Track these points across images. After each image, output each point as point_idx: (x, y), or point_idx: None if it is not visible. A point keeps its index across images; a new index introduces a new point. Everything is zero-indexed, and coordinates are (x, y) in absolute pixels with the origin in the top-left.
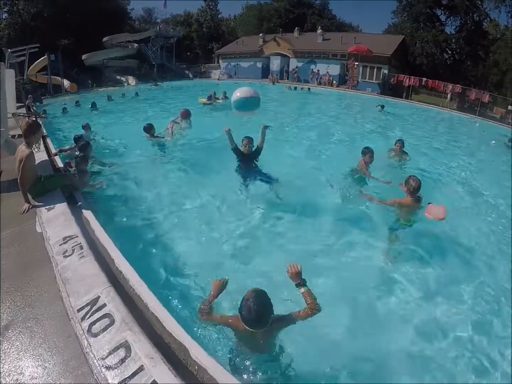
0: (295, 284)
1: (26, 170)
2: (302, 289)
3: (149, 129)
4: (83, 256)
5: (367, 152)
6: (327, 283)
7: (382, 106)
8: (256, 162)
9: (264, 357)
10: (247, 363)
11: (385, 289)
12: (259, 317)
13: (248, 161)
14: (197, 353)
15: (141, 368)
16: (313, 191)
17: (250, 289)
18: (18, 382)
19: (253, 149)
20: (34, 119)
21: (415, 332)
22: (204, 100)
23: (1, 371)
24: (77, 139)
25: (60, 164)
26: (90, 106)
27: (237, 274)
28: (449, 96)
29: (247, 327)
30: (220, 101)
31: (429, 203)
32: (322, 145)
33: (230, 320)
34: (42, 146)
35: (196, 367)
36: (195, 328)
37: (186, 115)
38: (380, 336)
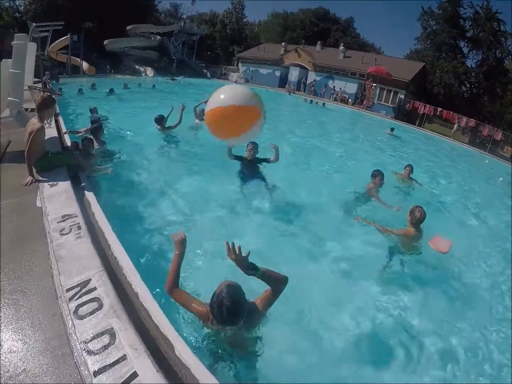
0: (243, 270)
1: (34, 143)
2: (256, 276)
3: (160, 120)
4: (80, 236)
5: (378, 175)
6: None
7: (392, 129)
8: (260, 168)
9: (238, 353)
10: (219, 360)
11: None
12: (231, 316)
13: (250, 167)
14: (182, 350)
15: (123, 358)
16: (312, 206)
17: (223, 283)
18: None
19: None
20: (49, 94)
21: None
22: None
23: None
24: (93, 121)
25: (68, 143)
26: (107, 91)
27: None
28: (455, 126)
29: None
30: None
31: (436, 234)
32: (329, 163)
33: (199, 309)
34: (53, 123)
35: (179, 364)
36: (184, 324)
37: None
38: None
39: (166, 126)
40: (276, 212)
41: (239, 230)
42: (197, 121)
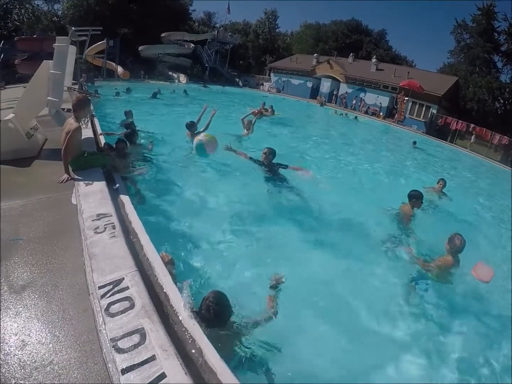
0: (270, 286)
1: (71, 142)
2: (272, 292)
3: (191, 126)
4: (114, 236)
5: (417, 197)
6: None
7: (415, 142)
8: (278, 170)
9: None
10: None
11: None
12: (217, 316)
13: (269, 170)
14: (210, 355)
15: (153, 358)
16: (341, 221)
17: (211, 291)
18: (24, 343)
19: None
20: (85, 95)
21: None
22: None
23: (9, 329)
24: (126, 125)
25: (103, 142)
26: (151, 95)
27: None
28: (472, 138)
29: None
30: (268, 114)
31: (479, 261)
32: (362, 176)
33: None
34: (89, 124)
35: (206, 368)
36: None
37: (249, 124)
38: None
39: (195, 132)
40: (304, 223)
41: (268, 241)
42: (245, 131)
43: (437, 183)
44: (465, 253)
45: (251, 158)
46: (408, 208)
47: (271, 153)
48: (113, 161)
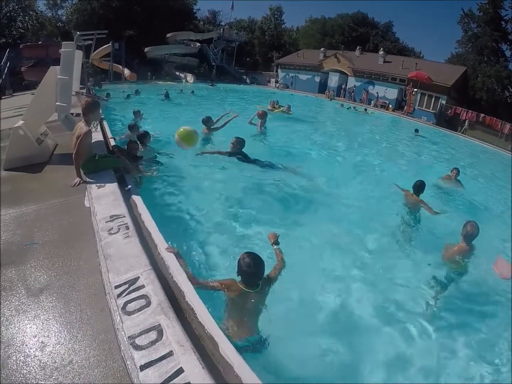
0: (271, 243)
1: (82, 146)
2: (275, 247)
3: (207, 121)
4: (128, 236)
5: (420, 186)
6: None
7: (417, 130)
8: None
9: (257, 319)
10: (242, 328)
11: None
12: (258, 269)
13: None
14: (226, 349)
15: (170, 354)
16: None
17: (243, 253)
18: (43, 345)
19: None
20: (93, 98)
21: None
22: (269, 107)
23: (29, 331)
24: (131, 126)
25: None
26: (163, 96)
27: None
28: (466, 123)
29: (243, 288)
30: (277, 110)
31: (499, 257)
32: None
33: (224, 284)
34: (98, 127)
35: (223, 362)
36: None
37: (263, 115)
38: None
39: (212, 127)
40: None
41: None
42: (258, 129)
43: (451, 171)
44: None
45: (226, 152)
46: (411, 196)
47: (239, 142)
48: (123, 163)
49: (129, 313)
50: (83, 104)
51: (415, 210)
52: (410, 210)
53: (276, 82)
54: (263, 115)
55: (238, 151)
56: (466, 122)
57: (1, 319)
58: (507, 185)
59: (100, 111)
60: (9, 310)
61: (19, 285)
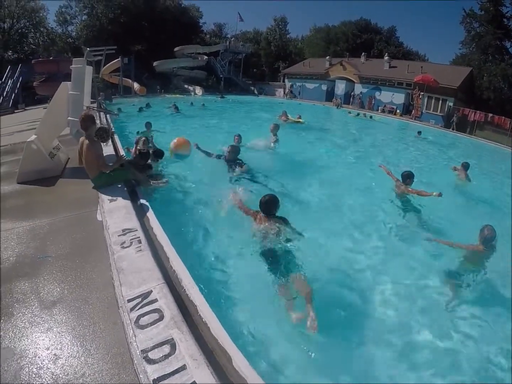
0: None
1: (91, 158)
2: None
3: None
4: (141, 250)
5: (409, 176)
6: None
7: (419, 132)
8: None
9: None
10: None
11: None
12: (271, 200)
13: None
14: (239, 362)
15: (183, 367)
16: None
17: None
18: (56, 357)
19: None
20: (88, 113)
21: None
22: (283, 118)
23: (41, 343)
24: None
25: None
26: (173, 109)
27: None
28: (454, 117)
29: (262, 215)
30: (291, 120)
31: None
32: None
33: (252, 212)
34: (110, 141)
35: (236, 376)
36: (241, 336)
37: (275, 129)
38: None
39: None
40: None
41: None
42: (271, 143)
43: (461, 165)
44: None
45: (221, 157)
46: (402, 185)
47: (234, 150)
48: (134, 175)
49: (142, 327)
50: (80, 119)
51: (404, 198)
52: (401, 199)
53: (287, 93)
54: (274, 129)
55: (233, 158)
56: (454, 117)
57: (14, 331)
58: None
59: (112, 125)
60: (22, 322)
61: (32, 297)
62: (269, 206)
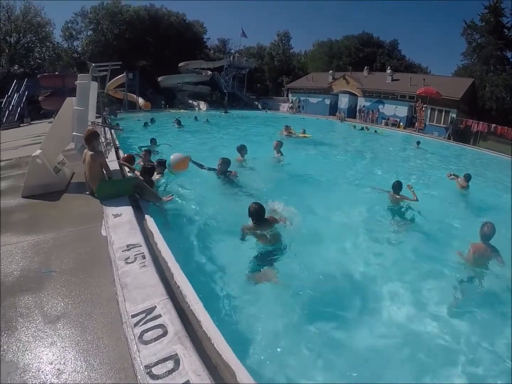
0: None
1: (94, 170)
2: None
3: (241, 149)
4: (145, 265)
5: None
6: None
7: (418, 142)
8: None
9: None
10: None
11: None
12: (257, 208)
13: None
14: (244, 378)
15: (187, 383)
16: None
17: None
18: (60, 372)
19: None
20: (92, 128)
21: None
22: (285, 133)
23: (45, 358)
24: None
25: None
26: (175, 124)
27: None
28: (450, 128)
29: (254, 225)
30: (300, 135)
31: None
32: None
33: (248, 229)
34: (114, 156)
35: None
36: (245, 352)
37: (279, 146)
38: None
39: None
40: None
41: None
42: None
43: (463, 176)
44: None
45: (213, 170)
46: (394, 196)
47: (224, 162)
48: (137, 180)
49: (146, 342)
50: (84, 135)
51: (398, 205)
52: (394, 207)
53: (291, 106)
54: (277, 146)
55: (223, 170)
56: (450, 127)
57: (18, 345)
58: None
59: (117, 141)
60: (26, 336)
61: (36, 311)
62: (261, 214)
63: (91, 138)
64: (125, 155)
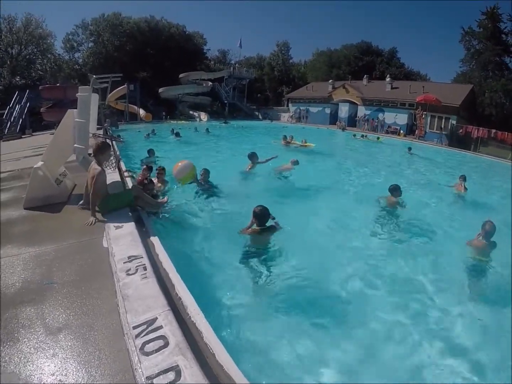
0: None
1: (97, 186)
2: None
3: (252, 156)
4: (146, 277)
5: (395, 189)
6: None
7: (410, 148)
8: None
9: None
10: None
11: None
12: (264, 211)
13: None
14: None
15: None
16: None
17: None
18: (61, 383)
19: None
20: (103, 140)
21: None
22: (283, 142)
23: (46, 369)
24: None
25: (129, 185)
26: (174, 135)
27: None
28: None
29: (259, 228)
30: (295, 144)
31: None
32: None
33: (250, 230)
34: (115, 167)
35: None
36: (247, 363)
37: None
38: None
39: (257, 161)
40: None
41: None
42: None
43: (459, 178)
44: None
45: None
46: (391, 199)
47: (206, 172)
48: (137, 190)
49: (147, 354)
50: (94, 146)
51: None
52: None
53: (292, 116)
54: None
55: (205, 180)
56: (444, 133)
57: (20, 356)
58: None
59: (118, 152)
60: (27, 347)
61: (37, 323)
62: (266, 217)
63: (96, 152)
64: (144, 166)
